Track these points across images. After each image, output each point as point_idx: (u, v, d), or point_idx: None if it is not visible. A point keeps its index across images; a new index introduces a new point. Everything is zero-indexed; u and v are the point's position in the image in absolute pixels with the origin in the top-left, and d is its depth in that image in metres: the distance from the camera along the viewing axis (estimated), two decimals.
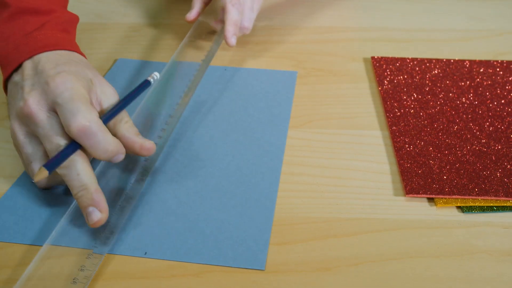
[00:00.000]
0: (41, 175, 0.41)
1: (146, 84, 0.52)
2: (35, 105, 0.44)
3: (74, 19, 0.56)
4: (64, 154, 0.42)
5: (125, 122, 0.47)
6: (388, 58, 0.68)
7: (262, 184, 0.48)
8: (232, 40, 0.65)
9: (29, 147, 0.45)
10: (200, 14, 0.71)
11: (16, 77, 0.48)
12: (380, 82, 0.63)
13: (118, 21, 0.79)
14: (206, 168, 0.50)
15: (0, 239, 0.43)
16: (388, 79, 0.64)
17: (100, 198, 0.42)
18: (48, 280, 0.39)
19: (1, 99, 0.61)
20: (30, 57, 0.48)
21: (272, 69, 0.66)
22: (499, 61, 0.67)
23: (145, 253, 0.42)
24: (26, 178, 0.49)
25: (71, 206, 0.44)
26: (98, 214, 0.42)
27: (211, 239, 0.43)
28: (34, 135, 0.45)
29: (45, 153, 0.45)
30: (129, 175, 0.48)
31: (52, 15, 0.52)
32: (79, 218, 0.43)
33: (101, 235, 0.42)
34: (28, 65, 0.48)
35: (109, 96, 0.48)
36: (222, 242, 0.43)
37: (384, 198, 0.48)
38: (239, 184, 0.48)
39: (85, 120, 0.42)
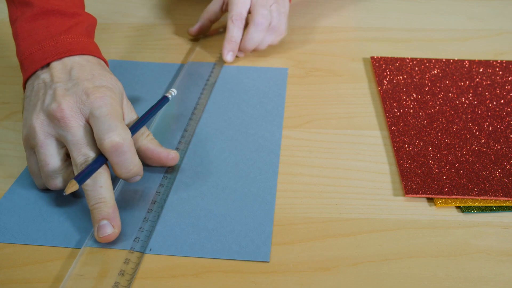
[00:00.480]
0: (72, 188, 0.42)
1: (164, 100, 0.53)
2: (69, 110, 0.44)
3: (95, 22, 0.56)
4: (94, 167, 0.43)
5: (147, 136, 0.49)
6: (387, 58, 0.68)
7: (261, 179, 0.49)
8: (228, 57, 0.67)
9: (49, 149, 0.45)
10: (202, 30, 0.72)
11: (43, 75, 0.48)
12: (379, 82, 0.63)
13: (117, 21, 0.79)
14: (204, 165, 0.50)
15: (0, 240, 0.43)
16: (387, 79, 0.64)
17: (116, 215, 0.43)
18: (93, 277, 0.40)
19: (0, 99, 0.61)
20: (58, 59, 0.48)
21: (262, 66, 0.67)
22: (499, 61, 0.67)
23: (150, 249, 0.42)
24: (25, 178, 0.49)
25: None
26: (111, 229, 0.42)
27: (214, 234, 0.43)
28: (57, 139, 0.45)
29: (64, 157, 0.45)
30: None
31: (77, 19, 0.53)
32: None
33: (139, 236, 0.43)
34: (58, 66, 0.48)
35: (129, 110, 0.49)
36: (225, 237, 0.43)
37: (383, 198, 0.48)
38: (238, 179, 0.49)
39: (119, 137, 0.43)
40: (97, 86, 0.46)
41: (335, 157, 0.52)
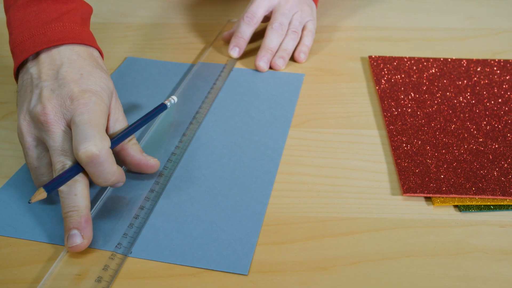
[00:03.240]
0: (39, 196, 0.41)
1: (161, 107, 0.51)
2: (53, 115, 0.43)
3: (90, 10, 0.55)
4: (67, 176, 0.42)
5: (129, 140, 0.48)
6: (385, 57, 0.68)
7: (255, 188, 0.48)
8: (232, 51, 0.67)
9: (35, 151, 0.45)
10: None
11: (32, 69, 0.47)
12: (377, 81, 0.63)
13: (116, 20, 0.79)
14: (201, 170, 0.50)
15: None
16: (385, 78, 0.64)
17: (88, 225, 0.41)
18: (71, 279, 0.39)
19: None
20: (47, 48, 0.47)
21: (278, 71, 0.66)
22: (496, 60, 0.67)
23: (131, 252, 0.42)
24: (21, 175, 0.49)
25: (93, 209, 0.45)
26: (80, 239, 0.41)
27: (197, 241, 0.43)
28: (42, 141, 0.45)
29: (50, 161, 0.45)
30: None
31: (70, 6, 0.51)
32: (101, 220, 0.44)
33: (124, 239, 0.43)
34: (45, 58, 0.46)
35: (117, 110, 0.48)
36: (208, 245, 0.42)
37: (381, 197, 0.48)
38: (232, 186, 0.48)
39: (95, 148, 0.41)
40: (83, 90, 0.45)
41: (333, 156, 0.52)
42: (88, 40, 0.50)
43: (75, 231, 0.41)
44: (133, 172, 0.49)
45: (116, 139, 0.46)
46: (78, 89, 0.45)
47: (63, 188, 0.42)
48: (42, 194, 0.41)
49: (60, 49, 0.47)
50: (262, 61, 0.65)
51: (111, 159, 0.43)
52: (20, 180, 0.49)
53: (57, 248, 0.42)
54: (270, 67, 0.66)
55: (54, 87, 0.45)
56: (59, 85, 0.45)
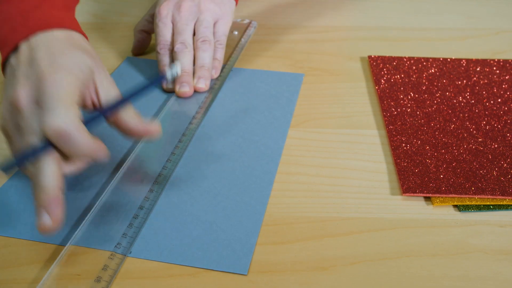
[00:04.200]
0: None
1: (160, 78, 0.48)
2: (24, 99, 0.42)
3: None
4: (27, 154, 0.40)
5: (128, 110, 0.45)
6: (385, 57, 0.68)
7: (255, 188, 0.48)
8: (184, 89, 0.60)
9: (16, 138, 0.43)
10: (140, 44, 0.69)
11: (12, 60, 0.46)
12: (377, 81, 0.63)
13: (114, 20, 0.79)
14: (200, 170, 0.50)
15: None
16: (385, 78, 0.64)
17: (56, 206, 0.39)
18: (70, 278, 0.39)
19: None
20: (26, 37, 0.46)
21: (278, 71, 0.66)
22: (496, 60, 0.67)
23: (130, 252, 0.42)
24: (20, 175, 0.49)
25: (93, 208, 0.45)
26: (47, 221, 0.39)
27: (196, 241, 0.43)
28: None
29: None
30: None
31: None
32: (101, 220, 0.44)
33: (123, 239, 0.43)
34: (24, 48, 0.46)
35: (108, 86, 0.45)
36: (207, 245, 0.42)
37: (380, 197, 0.48)
38: (232, 186, 0.48)
39: (61, 121, 0.40)
40: (52, 70, 0.43)
41: (332, 156, 0.52)
42: (68, 24, 0.48)
43: (43, 211, 0.39)
44: (132, 174, 0.49)
45: (106, 109, 0.44)
46: (48, 69, 0.43)
47: (30, 168, 0.40)
48: None
49: (38, 36, 0.46)
50: (183, 87, 0.60)
51: (82, 131, 0.41)
52: (19, 180, 0.48)
53: (56, 248, 0.42)
54: (194, 90, 0.61)
55: (27, 73, 0.44)
56: (32, 70, 0.44)
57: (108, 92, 0.45)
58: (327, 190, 0.48)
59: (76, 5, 0.53)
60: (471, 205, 0.47)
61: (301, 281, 0.40)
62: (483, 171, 0.49)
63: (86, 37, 0.50)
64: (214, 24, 0.64)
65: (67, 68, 0.43)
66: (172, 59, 0.62)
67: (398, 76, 0.64)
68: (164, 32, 0.62)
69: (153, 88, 0.47)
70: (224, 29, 0.64)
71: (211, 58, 0.62)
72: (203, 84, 0.60)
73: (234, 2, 0.67)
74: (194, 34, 0.63)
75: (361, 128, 0.56)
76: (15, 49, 0.46)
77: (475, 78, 0.64)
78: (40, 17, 0.47)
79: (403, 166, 0.50)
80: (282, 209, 0.46)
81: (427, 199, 0.47)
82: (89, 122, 0.43)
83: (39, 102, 0.41)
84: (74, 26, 0.49)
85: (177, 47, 0.61)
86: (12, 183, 0.48)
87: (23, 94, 0.42)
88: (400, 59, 0.68)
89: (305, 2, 0.85)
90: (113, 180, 0.47)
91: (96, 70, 0.45)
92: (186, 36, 0.62)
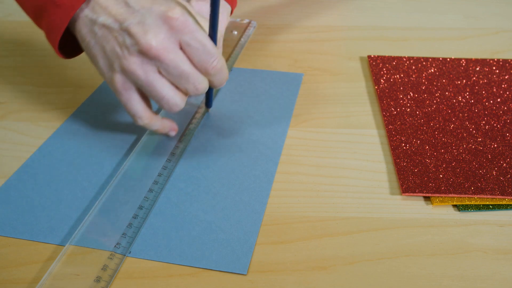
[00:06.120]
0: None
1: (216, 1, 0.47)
2: (160, 43, 0.43)
3: None
4: (211, 89, 0.52)
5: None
6: (384, 57, 0.68)
7: (254, 187, 0.48)
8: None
9: (158, 83, 0.45)
10: None
11: (95, 16, 0.45)
12: (376, 81, 0.63)
13: None
14: (200, 170, 0.50)
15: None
16: (384, 78, 0.64)
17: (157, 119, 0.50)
18: (70, 278, 0.39)
19: None
20: None
21: (277, 71, 0.66)
22: (495, 59, 0.67)
23: (130, 252, 0.42)
24: (20, 175, 0.49)
25: (93, 208, 0.45)
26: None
27: (196, 241, 0.43)
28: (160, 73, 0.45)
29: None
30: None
31: None
32: (100, 220, 0.44)
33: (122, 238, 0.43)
34: (103, 0, 0.45)
35: (195, 14, 0.48)
36: (206, 245, 0.42)
37: (380, 197, 0.48)
38: (231, 186, 0.48)
39: (219, 58, 0.45)
40: (169, 7, 0.44)
41: (332, 156, 0.52)
42: None
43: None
44: (132, 174, 0.49)
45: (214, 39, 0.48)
46: (165, 8, 0.44)
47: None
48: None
49: None
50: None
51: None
52: (19, 180, 0.49)
53: (56, 248, 0.42)
54: None
55: (139, 20, 0.44)
56: (144, 15, 0.44)
57: (200, 19, 0.48)
58: (326, 190, 0.48)
59: None
60: (470, 204, 0.47)
61: (300, 280, 0.40)
62: (483, 171, 0.49)
63: None
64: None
65: (179, 3, 0.45)
66: None
67: (398, 75, 0.64)
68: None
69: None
70: (220, 29, 0.64)
71: None
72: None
73: (230, 6, 0.67)
74: None
75: (361, 127, 0.56)
76: (85, 4, 0.45)
77: (474, 78, 0.64)
78: None
79: (403, 165, 0.50)
80: (282, 208, 0.46)
81: (427, 198, 0.47)
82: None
83: (184, 43, 0.44)
84: None
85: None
86: (12, 183, 0.48)
87: (157, 42, 0.43)
88: (399, 58, 0.68)
89: (305, 2, 0.85)
90: (113, 180, 0.47)
91: (184, 2, 0.48)
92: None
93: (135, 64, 0.44)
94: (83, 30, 0.47)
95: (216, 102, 0.60)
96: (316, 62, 0.69)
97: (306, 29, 0.77)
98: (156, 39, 0.43)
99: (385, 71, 0.65)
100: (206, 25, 0.48)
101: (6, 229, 0.44)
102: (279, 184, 0.49)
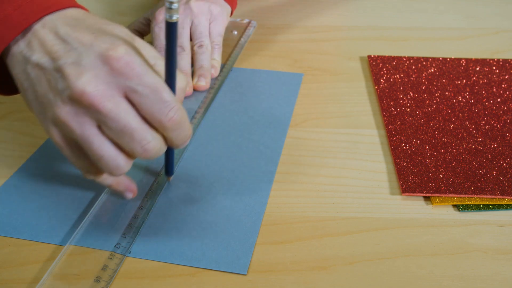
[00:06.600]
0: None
1: (171, 26, 0.37)
2: (98, 91, 0.35)
3: None
4: (171, 151, 0.45)
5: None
6: (384, 56, 0.68)
7: (254, 188, 0.48)
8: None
9: (97, 138, 0.37)
10: None
11: (31, 55, 0.37)
12: (376, 81, 0.63)
13: (115, 20, 0.79)
14: (200, 170, 0.50)
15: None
16: (384, 77, 0.64)
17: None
18: (70, 278, 0.39)
19: None
20: (40, 19, 0.38)
21: (277, 71, 0.66)
22: (495, 59, 0.67)
23: (130, 252, 0.42)
24: (20, 175, 0.49)
25: (93, 208, 0.45)
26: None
27: (196, 241, 0.43)
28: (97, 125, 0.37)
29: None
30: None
31: None
32: (100, 220, 0.44)
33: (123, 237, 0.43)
34: (42, 33, 0.38)
35: (149, 52, 0.39)
36: (207, 245, 0.42)
37: (380, 197, 0.48)
38: (231, 186, 0.48)
39: (177, 107, 0.36)
40: (113, 44, 0.36)
41: (332, 156, 0.52)
42: (77, 4, 0.42)
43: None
44: (132, 173, 0.49)
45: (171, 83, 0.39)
46: (105, 44, 0.36)
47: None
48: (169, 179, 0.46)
49: (51, 17, 0.38)
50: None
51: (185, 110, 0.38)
52: (19, 180, 0.49)
53: (56, 248, 0.42)
54: (194, 89, 0.61)
55: (75, 59, 0.36)
56: (79, 54, 0.36)
57: (155, 58, 0.40)
58: (326, 190, 0.48)
59: None
60: (470, 204, 0.47)
61: (300, 280, 0.40)
62: (483, 171, 0.49)
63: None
64: (209, 25, 0.64)
65: (126, 42, 0.37)
66: None
67: (398, 75, 0.64)
68: (161, 36, 0.63)
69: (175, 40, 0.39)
70: (219, 29, 0.65)
71: (209, 59, 0.63)
72: (204, 82, 0.61)
73: (230, 7, 0.68)
74: (191, 38, 0.64)
75: (361, 127, 0.56)
76: (22, 35, 0.38)
77: (474, 78, 0.64)
78: None
79: (403, 165, 0.50)
80: (282, 208, 0.46)
81: (427, 198, 0.47)
82: None
83: (129, 91, 0.36)
84: (80, 5, 0.43)
85: None
86: (12, 182, 0.48)
87: (91, 85, 0.35)
88: (399, 58, 0.68)
89: (305, 2, 0.85)
90: None
91: (134, 37, 0.40)
92: (183, 39, 0.62)
93: (68, 115, 0.36)
94: (16, 68, 0.39)
95: (216, 102, 0.60)
96: (316, 62, 0.69)
97: (306, 29, 0.77)
98: (91, 84, 0.35)
99: (385, 71, 0.65)
100: (160, 58, 0.40)
101: (6, 229, 0.44)
102: (279, 184, 0.49)
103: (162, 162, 0.50)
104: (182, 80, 0.40)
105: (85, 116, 0.36)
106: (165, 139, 0.38)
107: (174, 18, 0.36)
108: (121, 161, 0.38)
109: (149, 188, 0.47)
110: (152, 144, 0.37)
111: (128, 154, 0.38)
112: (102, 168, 0.38)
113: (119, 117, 0.36)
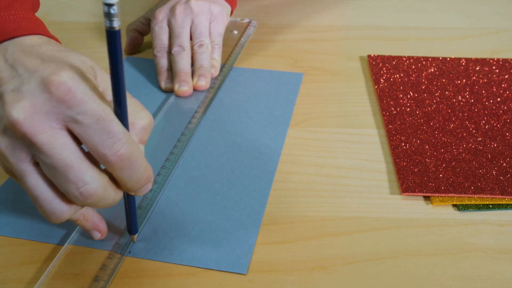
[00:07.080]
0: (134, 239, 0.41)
1: (112, 35, 0.31)
2: (32, 121, 0.31)
3: (37, 2, 0.46)
4: (132, 202, 0.38)
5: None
6: (384, 56, 0.68)
7: (254, 187, 0.48)
8: (183, 88, 0.60)
9: (34, 175, 0.33)
10: (133, 43, 0.70)
11: None
12: (376, 81, 0.63)
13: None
14: (200, 169, 0.50)
15: None
16: (384, 77, 0.64)
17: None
18: (69, 278, 0.39)
19: None
20: None
21: (277, 70, 0.66)
22: (495, 59, 0.67)
23: (129, 252, 0.42)
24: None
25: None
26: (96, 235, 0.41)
27: (196, 241, 0.43)
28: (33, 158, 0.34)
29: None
30: None
31: None
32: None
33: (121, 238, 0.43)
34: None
35: (109, 85, 0.35)
36: (206, 244, 0.42)
37: (380, 197, 0.48)
38: (231, 186, 0.48)
39: (126, 140, 0.31)
40: (58, 69, 0.32)
41: (331, 155, 0.52)
42: (46, 32, 0.40)
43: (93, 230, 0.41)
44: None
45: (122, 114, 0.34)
46: (49, 69, 0.32)
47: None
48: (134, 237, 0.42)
49: (10, 42, 0.37)
50: (182, 86, 0.59)
51: (139, 149, 0.33)
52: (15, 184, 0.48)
53: (55, 247, 0.42)
54: (194, 89, 0.61)
55: (17, 85, 0.33)
56: (22, 80, 0.33)
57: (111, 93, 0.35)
58: (326, 190, 0.48)
59: (37, 10, 0.46)
60: (470, 204, 0.47)
61: (300, 280, 0.40)
62: (483, 171, 0.49)
63: (59, 42, 0.42)
64: (209, 24, 0.64)
65: (72, 68, 0.34)
66: (170, 61, 0.62)
67: (398, 75, 0.64)
68: (161, 36, 0.63)
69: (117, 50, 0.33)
70: (219, 29, 0.65)
71: (209, 59, 0.62)
72: (204, 82, 0.61)
73: (230, 6, 0.67)
74: (191, 37, 0.63)
75: (361, 127, 0.56)
76: None
77: (474, 78, 0.64)
78: (13, 20, 0.39)
79: (403, 165, 0.50)
80: (282, 208, 0.46)
81: (427, 198, 0.47)
82: None
83: (70, 121, 0.32)
84: (49, 33, 0.41)
85: (175, 49, 0.61)
86: (12, 182, 0.48)
87: (26, 115, 0.32)
88: (399, 58, 0.68)
89: (305, 2, 0.85)
90: None
91: (96, 68, 0.38)
92: (183, 39, 0.62)
93: (6, 146, 0.32)
94: None
95: (216, 102, 0.60)
96: (316, 62, 0.69)
97: (306, 29, 0.77)
98: (26, 113, 0.31)
99: (385, 71, 0.65)
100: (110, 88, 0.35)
101: (5, 229, 0.44)
102: (279, 183, 0.49)
103: (160, 164, 0.50)
104: (144, 117, 0.35)
105: (22, 149, 0.33)
106: (118, 179, 0.33)
107: (115, 25, 0.30)
108: (57, 206, 0.33)
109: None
110: (89, 187, 0.32)
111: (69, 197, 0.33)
112: (38, 209, 0.34)
113: (54, 152, 0.31)
